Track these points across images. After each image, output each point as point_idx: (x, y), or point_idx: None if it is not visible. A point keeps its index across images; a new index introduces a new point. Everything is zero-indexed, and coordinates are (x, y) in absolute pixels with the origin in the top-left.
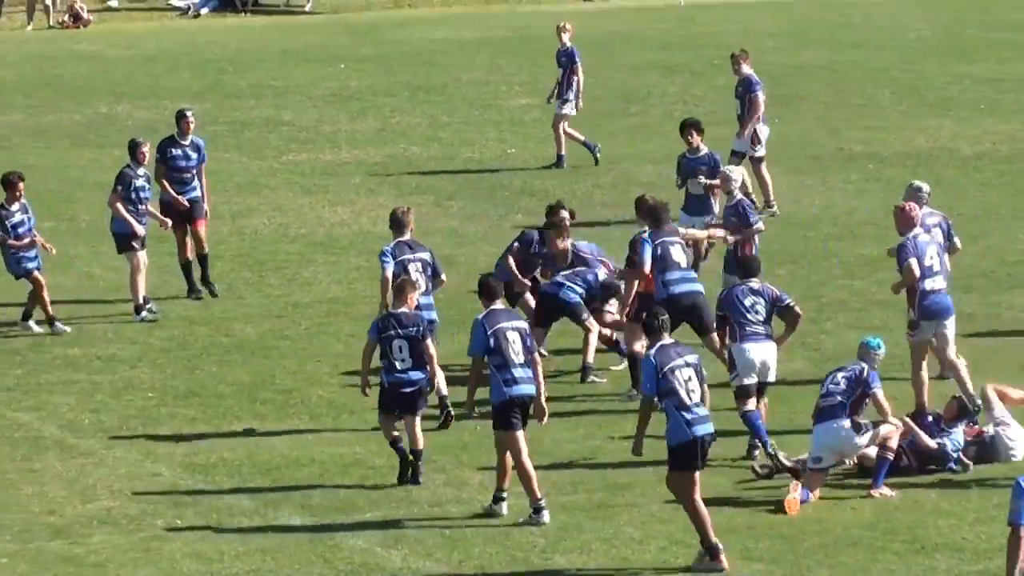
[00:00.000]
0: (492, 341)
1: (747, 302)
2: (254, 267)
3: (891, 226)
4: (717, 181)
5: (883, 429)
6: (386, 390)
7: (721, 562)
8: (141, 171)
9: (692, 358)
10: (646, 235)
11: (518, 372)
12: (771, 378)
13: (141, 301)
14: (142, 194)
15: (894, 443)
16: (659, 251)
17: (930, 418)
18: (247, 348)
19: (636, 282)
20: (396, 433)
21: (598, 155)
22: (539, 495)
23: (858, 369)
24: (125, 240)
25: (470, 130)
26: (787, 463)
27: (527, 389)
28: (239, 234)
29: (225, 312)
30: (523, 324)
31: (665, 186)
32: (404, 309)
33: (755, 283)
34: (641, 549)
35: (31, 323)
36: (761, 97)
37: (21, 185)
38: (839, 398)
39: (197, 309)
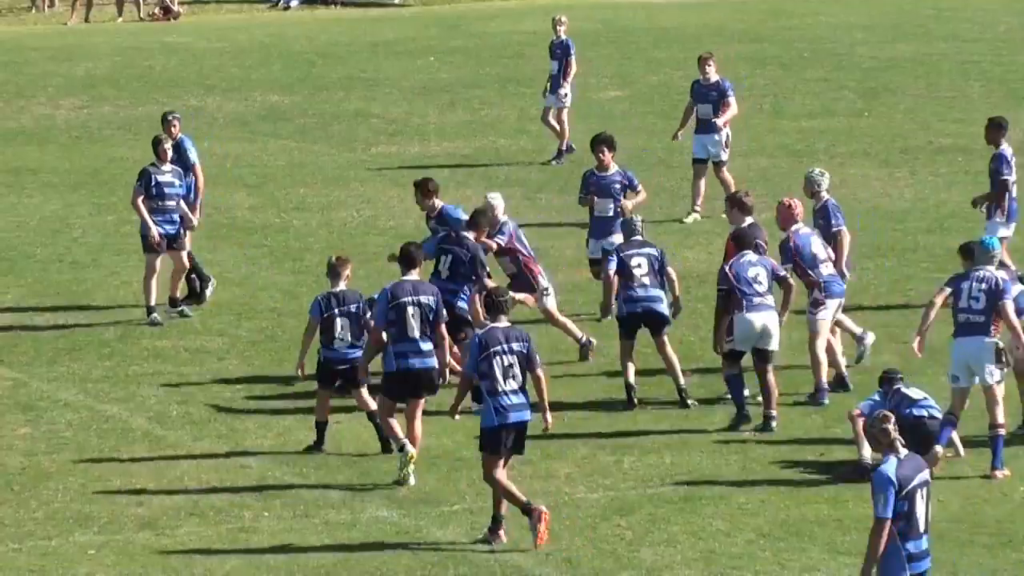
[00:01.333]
0: (393, 313)
1: (750, 274)
2: None
3: (981, 220)
4: (631, 203)
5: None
6: (321, 364)
7: (500, 537)
8: (166, 167)
9: (519, 345)
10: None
11: (407, 346)
12: (773, 346)
13: (152, 303)
14: (167, 190)
15: (1001, 416)
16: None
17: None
18: None
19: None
20: (326, 418)
21: (563, 160)
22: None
23: (992, 280)
24: (144, 241)
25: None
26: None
27: (418, 363)
28: (327, 227)
29: None
30: (429, 298)
31: (753, 179)
32: (343, 287)
33: (752, 255)
34: (728, 542)
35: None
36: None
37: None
38: (982, 317)
39: (285, 301)
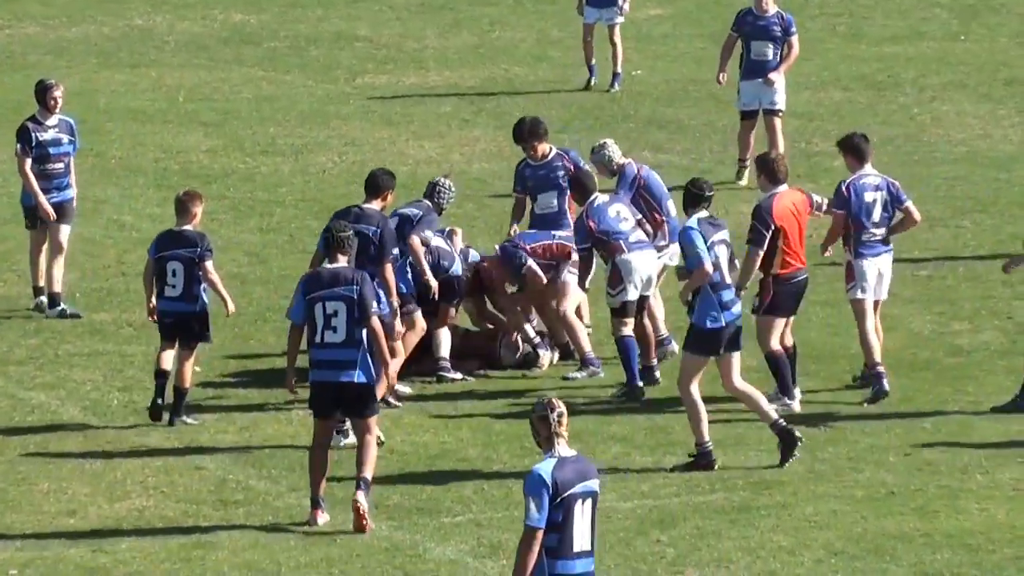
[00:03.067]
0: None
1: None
2: (321, 214)
3: None
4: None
5: None
6: (157, 317)
7: (316, 517)
8: (53, 120)
9: (346, 290)
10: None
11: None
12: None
13: (41, 284)
14: (51, 150)
15: None
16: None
17: None
18: None
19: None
20: (167, 367)
21: (616, 85)
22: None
23: None
24: (32, 215)
25: None
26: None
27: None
28: (303, 173)
29: (285, 269)
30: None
31: (825, 116)
32: (188, 227)
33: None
34: (792, 561)
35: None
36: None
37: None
38: None
39: (251, 265)
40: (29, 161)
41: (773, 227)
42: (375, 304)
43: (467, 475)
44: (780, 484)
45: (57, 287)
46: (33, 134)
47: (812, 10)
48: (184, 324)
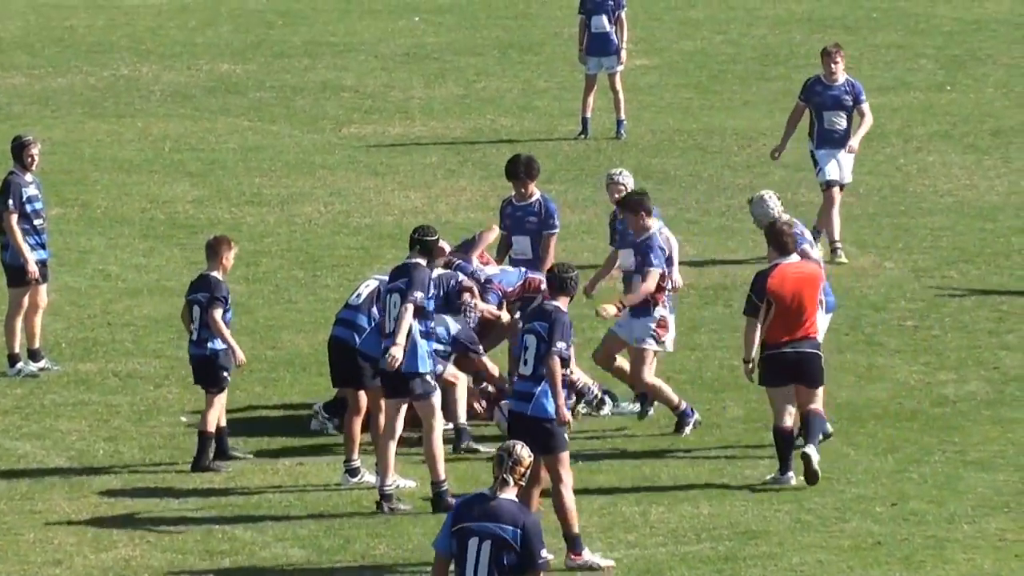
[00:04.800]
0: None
1: None
2: (307, 264)
3: None
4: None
5: None
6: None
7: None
8: (29, 178)
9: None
10: None
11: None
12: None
13: (16, 350)
14: (34, 205)
15: None
16: None
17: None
18: (298, 363)
19: None
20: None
21: (622, 134)
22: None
23: None
24: (18, 274)
25: (572, 98)
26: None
27: None
28: (289, 224)
29: (272, 319)
30: None
31: (810, 168)
32: (214, 272)
33: None
34: None
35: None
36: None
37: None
38: None
39: (238, 316)
40: (15, 217)
41: (767, 298)
42: None
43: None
44: (766, 534)
45: (37, 343)
46: (21, 189)
47: (798, 60)
48: (197, 368)
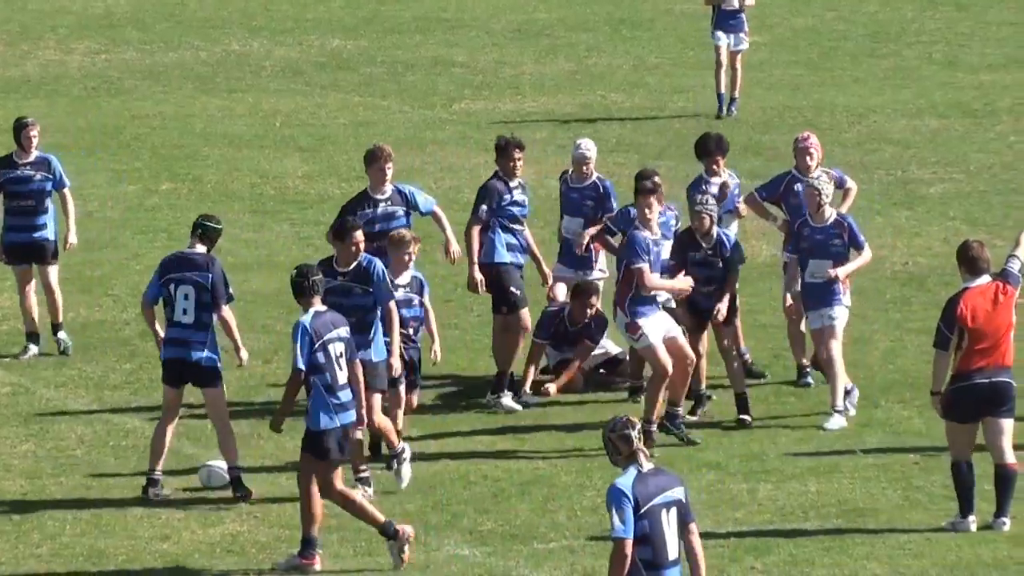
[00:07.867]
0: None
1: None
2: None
3: None
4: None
5: None
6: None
7: (313, 561)
8: (29, 158)
9: (345, 331)
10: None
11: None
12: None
13: (37, 328)
14: (29, 186)
15: None
16: None
17: None
18: None
19: None
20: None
21: (734, 111)
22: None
23: None
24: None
25: (682, 73)
26: None
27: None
28: None
29: None
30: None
31: (920, 144)
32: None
33: None
34: None
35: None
36: None
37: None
38: None
39: None
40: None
41: (958, 327)
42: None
43: (560, 501)
44: (874, 512)
45: (59, 317)
46: (5, 172)
47: (909, 38)
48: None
